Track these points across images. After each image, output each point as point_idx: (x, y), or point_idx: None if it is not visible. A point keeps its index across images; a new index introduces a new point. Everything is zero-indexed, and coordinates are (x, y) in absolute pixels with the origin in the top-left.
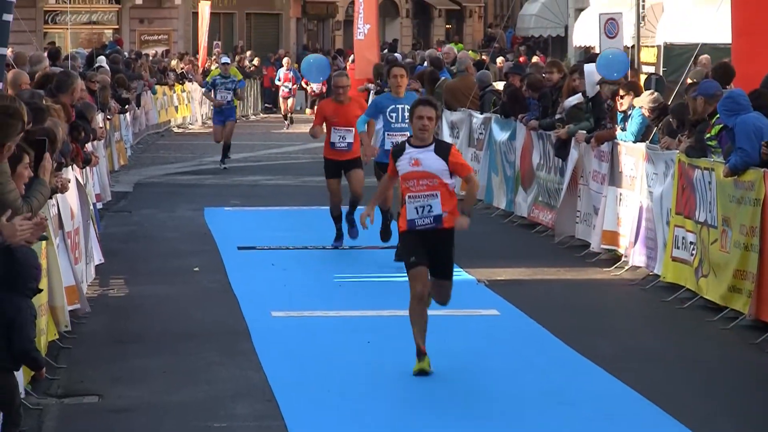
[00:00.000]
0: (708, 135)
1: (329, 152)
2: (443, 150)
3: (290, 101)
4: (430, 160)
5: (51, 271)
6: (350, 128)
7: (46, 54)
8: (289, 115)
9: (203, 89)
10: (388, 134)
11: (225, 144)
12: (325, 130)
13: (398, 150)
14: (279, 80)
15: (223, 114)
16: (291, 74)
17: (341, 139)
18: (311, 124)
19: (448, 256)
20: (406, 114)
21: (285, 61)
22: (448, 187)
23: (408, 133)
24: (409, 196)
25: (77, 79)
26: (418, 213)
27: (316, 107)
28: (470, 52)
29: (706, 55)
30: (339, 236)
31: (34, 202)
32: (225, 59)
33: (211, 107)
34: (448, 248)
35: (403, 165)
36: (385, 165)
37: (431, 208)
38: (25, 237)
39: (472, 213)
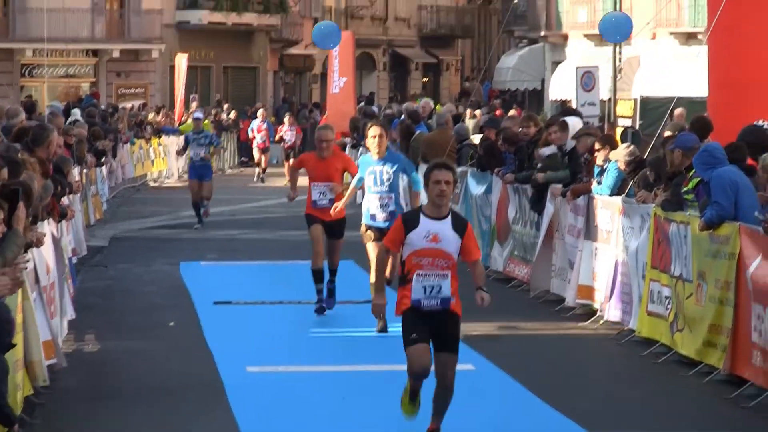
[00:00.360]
0: (685, 188)
1: (312, 210)
2: (460, 226)
3: (266, 155)
4: (448, 236)
5: (28, 326)
6: (329, 183)
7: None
8: (263, 168)
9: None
10: (370, 197)
11: (204, 199)
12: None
13: (411, 219)
14: (252, 131)
15: (197, 170)
16: (265, 126)
17: (322, 196)
18: (286, 178)
19: (454, 331)
20: (385, 177)
21: (260, 113)
22: (455, 268)
23: (391, 195)
24: (419, 274)
25: (53, 132)
26: (425, 293)
27: (292, 160)
28: (425, 98)
29: (680, 109)
30: (321, 299)
31: (9, 254)
32: (198, 114)
33: (187, 161)
34: (453, 325)
35: (418, 239)
36: (372, 227)
37: (440, 289)
38: (9, 292)
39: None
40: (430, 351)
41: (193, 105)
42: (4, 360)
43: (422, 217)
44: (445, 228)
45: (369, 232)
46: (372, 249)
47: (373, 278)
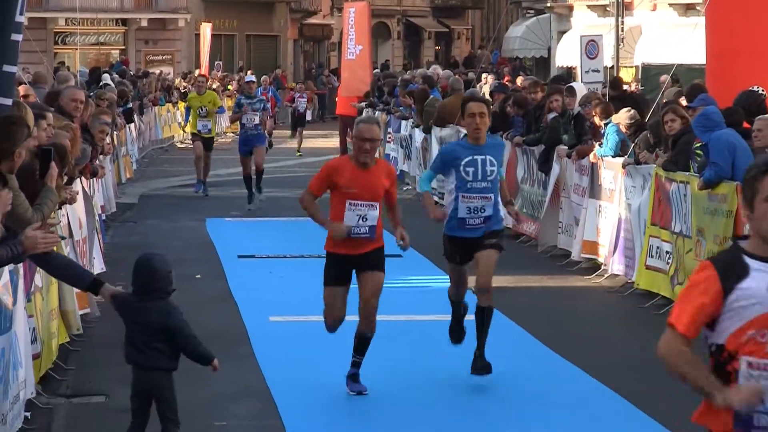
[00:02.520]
0: (698, 145)
1: (337, 242)
2: None
3: (268, 122)
4: None
5: None
6: (375, 204)
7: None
8: (267, 137)
9: (231, 114)
10: (462, 196)
11: (258, 170)
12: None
13: (732, 267)
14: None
15: (250, 140)
16: (270, 94)
17: (361, 222)
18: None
19: None
20: (488, 169)
21: (263, 79)
22: None
23: (491, 196)
24: (751, 363)
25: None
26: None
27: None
28: (433, 65)
29: (664, 75)
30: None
31: (45, 209)
32: (250, 78)
33: (236, 133)
34: None
35: (758, 300)
36: (459, 239)
37: None
38: (45, 247)
39: None
40: None
41: (215, 73)
42: (176, 305)
43: (751, 262)
44: None
45: (451, 251)
46: (453, 274)
47: None
